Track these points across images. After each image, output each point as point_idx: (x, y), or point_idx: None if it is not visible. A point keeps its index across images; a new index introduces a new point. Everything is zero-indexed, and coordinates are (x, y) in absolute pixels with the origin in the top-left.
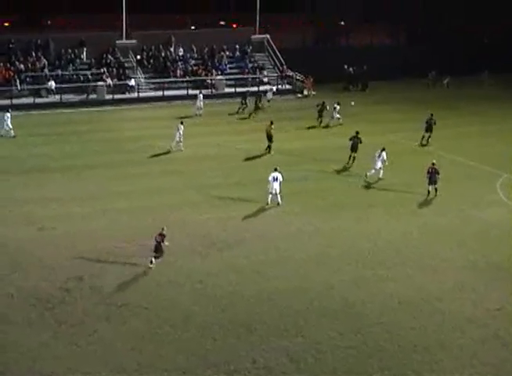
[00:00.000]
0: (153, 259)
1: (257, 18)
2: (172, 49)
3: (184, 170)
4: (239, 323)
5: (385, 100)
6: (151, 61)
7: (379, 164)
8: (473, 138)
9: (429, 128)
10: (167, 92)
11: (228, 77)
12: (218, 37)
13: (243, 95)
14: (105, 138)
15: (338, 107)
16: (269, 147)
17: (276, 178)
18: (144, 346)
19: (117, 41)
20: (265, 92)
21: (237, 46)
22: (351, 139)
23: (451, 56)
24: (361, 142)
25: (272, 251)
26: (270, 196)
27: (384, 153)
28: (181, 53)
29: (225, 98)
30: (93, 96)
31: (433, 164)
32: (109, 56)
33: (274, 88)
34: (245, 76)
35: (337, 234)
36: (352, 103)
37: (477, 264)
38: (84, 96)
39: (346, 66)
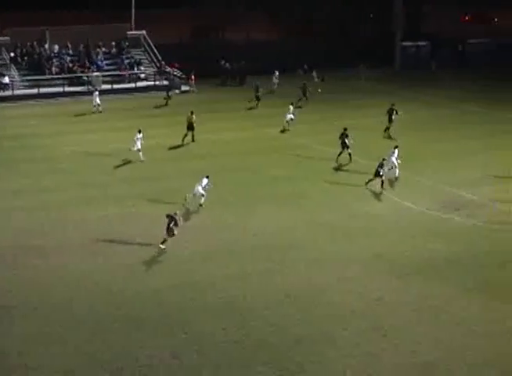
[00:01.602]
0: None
1: (133, 14)
2: (47, 46)
3: (71, 168)
4: (128, 321)
5: (261, 96)
6: (25, 58)
7: (395, 162)
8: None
9: (390, 119)
10: (43, 90)
11: (104, 73)
12: (94, 33)
13: (167, 88)
14: None
15: (292, 107)
16: (192, 136)
17: (202, 183)
18: (33, 348)
19: None
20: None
21: (113, 43)
22: (340, 137)
23: (328, 49)
24: (347, 137)
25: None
26: (190, 195)
27: (396, 151)
28: (56, 50)
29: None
30: None
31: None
32: None
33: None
34: (121, 72)
35: (224, 229)
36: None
37: (362, 256)
38: None
39: (223, 62)
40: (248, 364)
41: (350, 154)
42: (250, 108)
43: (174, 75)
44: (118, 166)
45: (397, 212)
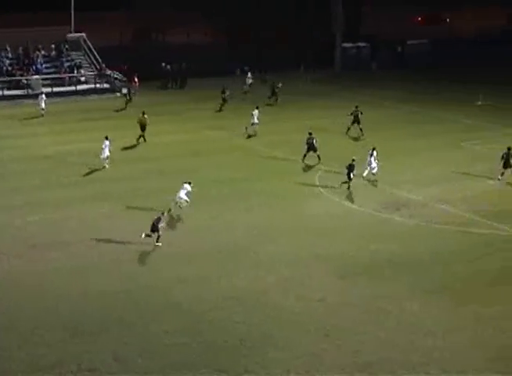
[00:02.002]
0: (143, 235)
1: (73, 16)
2: None
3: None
4: (66, 326)
5: (203, 98)
6: None
7: (373, 164)
8: (293, 134)
9: (356, 120)
10: None
11: (44, 76)
12: (33, 36)
13: (128, 90)
14: None
15: (257, 112)
16: (143, 137)
17: (184, 188)
18: None
19: None
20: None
21: (53, 45)
22: (307, 142)
23: (270, 52)
24: (316, 141)
25: (94, 252)
26: (173, 203)
27: (375, 152)
28: None
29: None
30: None
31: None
32: None
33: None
34: (61, 75)
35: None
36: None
37: (305, 257)
38: None
39: (164, 64)
40: (193, 367)
41: (318, 156)
42: (220, 110)
43: (115, 78)
44: (62, 169)
45: (341, 213)
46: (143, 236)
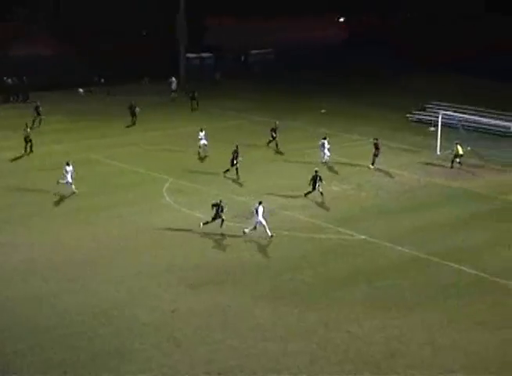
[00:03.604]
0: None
1: None
2: None
3: None
4: None
5: (50, 111)
6: None
7: (327, 153)
8: (139, 144)
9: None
10: None
11: None
12: None
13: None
14: None
15: (202, 133)
16: (30, 148)
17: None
18: None
19: None
20: None
21: None
22: (233, 157)
23: (117, 63)
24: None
25: None
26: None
27: (326, 141)
28: None
29: None
30: None
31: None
32: None
33: None
34: None
35: (16, 248)
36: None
37: (153, 269)
38: None
39: (5, 78)
40: None
41: (237, 169)
42: (131, 127)
43: None
44: None
45: (188, 223)
46: (201, 225)
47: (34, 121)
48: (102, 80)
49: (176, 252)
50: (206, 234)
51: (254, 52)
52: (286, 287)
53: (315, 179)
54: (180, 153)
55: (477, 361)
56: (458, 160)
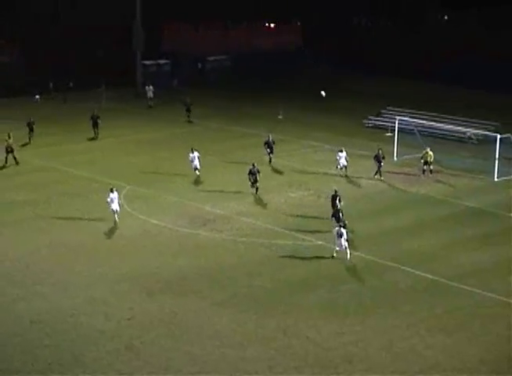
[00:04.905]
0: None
1: None
2: None
3: None
4: None
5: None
6: None
7: (344, 162)
8: (97, 152)
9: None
10: None
11: None
12: None
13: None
14: None
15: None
16: (14, 158)
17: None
18: None
19: None
20: None
21: None
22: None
23: (73, 70)
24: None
25: None
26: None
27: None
28: None
29: None
30: None
31: None
32: None
33: None
34: None
35: None
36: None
37: (110, 277)
38: None
39: None
40: None
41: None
42: (92, 139)
43: None
44: None
45: (145, 230)
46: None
47: (30, 138)
48: (71, 84)
49: (133, 259)
50: (165, 240)
51: (210, 58)
52: (245, 293)
53: (333, 199)
54: (137, 159)
55: (434, 365)
56: (431, 167)
